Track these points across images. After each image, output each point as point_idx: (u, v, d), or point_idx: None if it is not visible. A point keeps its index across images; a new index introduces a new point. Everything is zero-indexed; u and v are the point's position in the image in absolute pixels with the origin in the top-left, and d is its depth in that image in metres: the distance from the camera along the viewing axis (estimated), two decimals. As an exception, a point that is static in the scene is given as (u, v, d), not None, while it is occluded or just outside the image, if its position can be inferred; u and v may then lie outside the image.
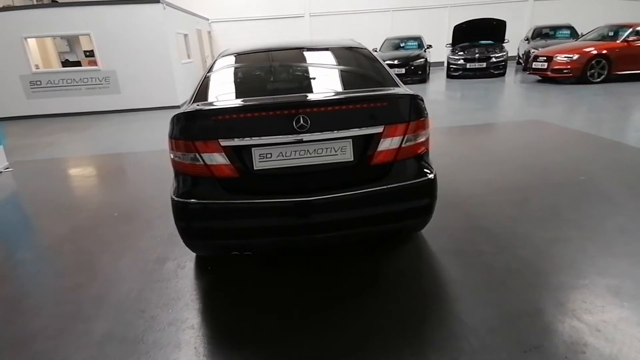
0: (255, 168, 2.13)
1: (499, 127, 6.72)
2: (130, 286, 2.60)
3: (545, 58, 10.27)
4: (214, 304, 2.42)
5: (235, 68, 2.88)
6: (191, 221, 2.23)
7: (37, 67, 10.45)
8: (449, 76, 13.07)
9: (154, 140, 7.01)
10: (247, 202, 2.15)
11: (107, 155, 6.46)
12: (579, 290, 2.32)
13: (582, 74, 9.68)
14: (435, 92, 11.19)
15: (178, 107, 10.67)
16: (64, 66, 13.21)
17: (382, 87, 2.47)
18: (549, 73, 10.20)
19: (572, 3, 17.08)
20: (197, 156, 2.12)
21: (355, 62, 2.84)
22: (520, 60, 15.08)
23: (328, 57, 2.97)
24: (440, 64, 15.54)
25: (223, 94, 2.58)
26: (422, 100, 2.32)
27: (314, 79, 2.69)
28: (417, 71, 12.37)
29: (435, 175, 2.39)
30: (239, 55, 2.97)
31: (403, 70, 12.26)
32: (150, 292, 2.52)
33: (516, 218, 3.27)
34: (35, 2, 14.47)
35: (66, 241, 3.40)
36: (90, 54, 11.58)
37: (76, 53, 14.12)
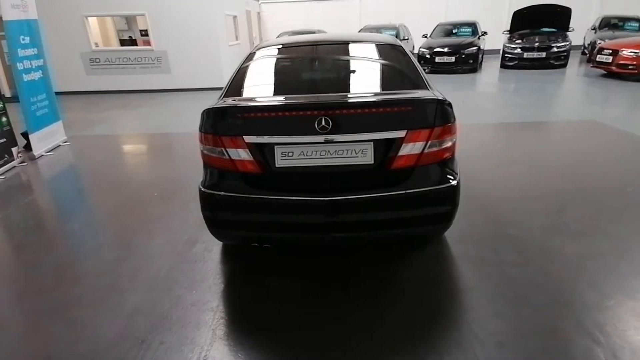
0: (277, 165, 2.21)
1: (549, 126, 6.35)
2: (161, 264, 2.80)
3: (610, 51, 9.47)
4: (235, 289, 2.57)
5: (267, 63, 2.94)
6: (215, 212, 2.37)
7: (96, 45, 11.10)
8: (503, 66, 12.36)
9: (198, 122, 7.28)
10: (267, 198, 2.24)
11: (154, 135, 6.83)
12: (601, 311, 2.22)
13: (648, 71, 8.89)
14: (485, 83, 10.70)
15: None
16: (122, 43, 13.96)
17: (410, 89, 2.43)
18: (613, 68, 9.43)
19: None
20: (223, 151, 2.23)
21: (388, 62, 2.80)
22: (585, 50, 13.99)
23: (360, 56, 2.95)
24: (497, 51, 14.68)
25: (253, 89, 2.66)
26: (450, 105, 2.26)
27: (343, 78, 2.70)
28: (468, 60, 11.82)
29: (458, 182, 2.35)
30: (273, 50, 3.03)
31: (453, 59, 11.80)
32: (178, 271, 2.71)
33: (549, 228, 3.13)
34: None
35: (110, 216, 3.72)
36: (145, 33, 12.13)
37: (133, 31, 14.81)
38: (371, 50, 2.94)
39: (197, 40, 10.50)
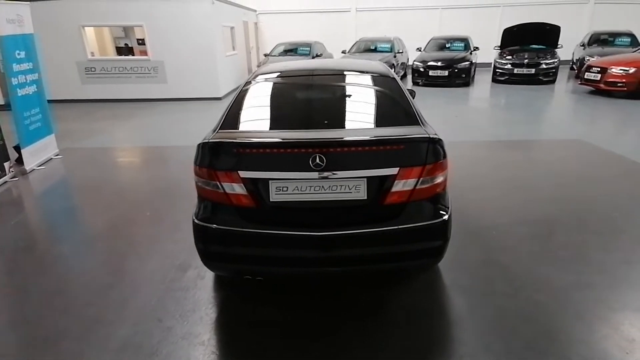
0: (271, 200, 2.23)
1: (537, 145, 6.45)
2: (152, 292, 2.79)
3: (599, 69, 9.67)
4: (227, 321, 2.56)
5: (263, 95, 2.96)
6: (208, 244, 2.37)
7: (92, 54, 11.08)
8: (494, 80, 12.58)
9: (195, 134, 7.15)
10: (261, 232, 2.25)
11: (148, 148, 6.81)
12: (588, 346, 2.25)
13: (637, 88, 9.10)
14: (478, 98, 10.84)
15: (219, 99, 11.04)
16: (118, 51, 13.94)
17: (403, 124, 2.47)
18: (601, 85, 9.62)
19: (636, 8, 15.81)
20: (218, 184, 2.24)
21: (381, 96, 2.85)
22: (573, 66, 14.24)
23: (355, 89, 2.99)
24: (488, 65, 14.90)
25: (248, 123, 2.68)
26: (441, 143, 2.30)
27: (338, 113, 2.73)
28: (461, 74, 12.00)
29: (450, 216, 2.38)
30: (268, 81, 3.08)
31: (446, 73, 11.96)
32: (169, 300, 2.70)
33: (537, 255, 3.18)
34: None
35: (101, 237, 3.68)
36: (142, 42, 12.16)
37: (130, 39, 14.79)
38: (365, 83, 2.99)
39: (194, 51, 10.53)
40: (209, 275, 2.94)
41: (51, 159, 5.88)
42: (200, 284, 2.87)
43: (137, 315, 2.56)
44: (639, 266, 3.00)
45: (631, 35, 13.11)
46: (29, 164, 5.37)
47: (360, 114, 2.74)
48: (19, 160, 5.43)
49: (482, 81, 13.09)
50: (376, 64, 3.48)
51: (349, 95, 2.91)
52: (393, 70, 11.84)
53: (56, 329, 2.48)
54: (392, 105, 2.76)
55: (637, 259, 3.10)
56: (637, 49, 11.27)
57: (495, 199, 4.25)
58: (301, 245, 2.26)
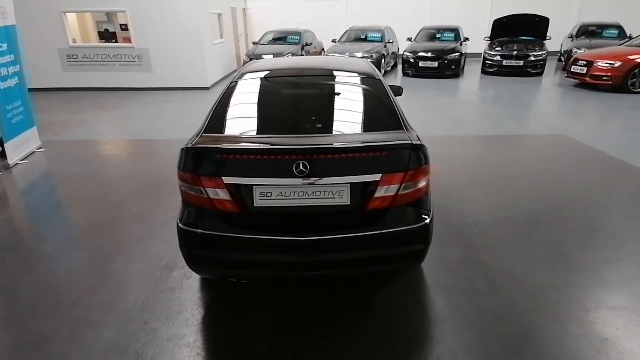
0: (255, 205, 2.24)
1: (521, 140, 6.54)
2: (137, 293, 2.80)
3: (585, 62, 9.77)
4: (212, 323, 2.59)
5: (247, 98, 2.94)
6: (193, 248, 2.38)
7: (74, 41, 10.80)
8: (483, 72, 12.67)
9: (181, 127, 7.05)
10: (245, 237, 2.27)
11: (133, 141, 6.70)
12: (561, 345, 2.34)
13: (622, 82, 9.25)
14: (467, 90, 10.89)
15: (207, 88, 10.89)
16: (100, 35, 13.59)
17: (387, 129, 2.48)
18: (587, 79, 9.74)
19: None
20: (202, 189, 2.25)
21: (367, 99, 2.86)
22: (561, 57, 14.36)
23: (340, 91, 2.99)
24: (478, 55, 14.93)
25: (232, 127, 2.66)
26: (423, 149, 2.33)
27: (323, 117, 2.72)
28: (451, 66, 12.04)
29: (431, 219, 2.43)
30: (253, 82, 3.06)
31: (436, 64, 11.98)
32: (155, 302, 2.72)
33: (517, 254, 3.26)
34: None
35: (85, 237, 3.66)
36: (125, 27, 11.87)
37: (113, 23, 14.42)
38: (350, 86, 2.99)
39: (180, 39, 10.33)
40: (194, 275, 2.96)
41: (34, 152, 5.77)
42: (186, 284, 2.89)
43: (123, 317, 2.57)
44: (614, 265, 3.10)
45: (619, 27, 13.25)
46: (12, 158, 5.27)
47: (344, 118, 2.74)
48: (2, 154, 5.32)
49: (472, 72, 13.14)
50: (363, 62, 3.47)
51: (334, 99, 2.90)
52: (383, 60, 11.97)
53: (44, 330, 2.49)
54: (377, 109, 2.77)
55: (612, 257, 3.20)
56: (624, 41, 11.39)
57: (478, 196, 4.32)
58: (285, 250, 2.29)
